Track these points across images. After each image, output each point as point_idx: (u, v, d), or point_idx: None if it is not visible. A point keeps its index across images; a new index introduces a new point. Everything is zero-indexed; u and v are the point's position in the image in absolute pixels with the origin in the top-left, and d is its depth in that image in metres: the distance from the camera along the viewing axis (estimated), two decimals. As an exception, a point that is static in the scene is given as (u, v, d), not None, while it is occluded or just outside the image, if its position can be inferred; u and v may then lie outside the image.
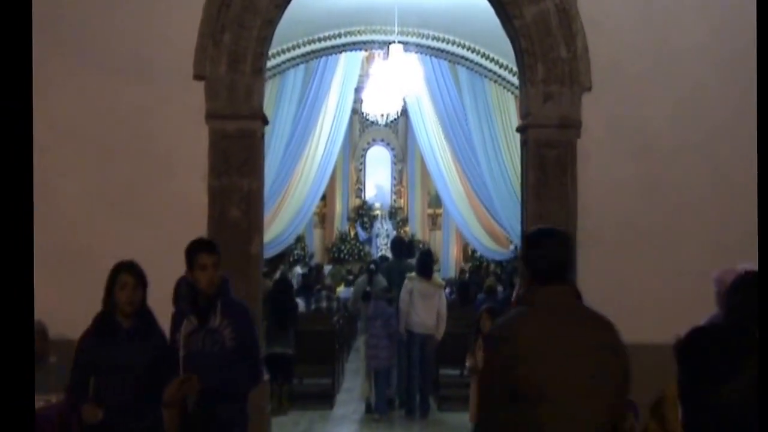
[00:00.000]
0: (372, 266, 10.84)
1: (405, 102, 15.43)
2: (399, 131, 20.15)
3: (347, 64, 14.37)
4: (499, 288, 13.41)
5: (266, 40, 6.88)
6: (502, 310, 7.58)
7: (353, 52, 14.74)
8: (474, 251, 18.93)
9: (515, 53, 7.15)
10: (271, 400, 9.14)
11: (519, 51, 6.99)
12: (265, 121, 7.06)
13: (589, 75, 6.95)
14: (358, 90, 16.28)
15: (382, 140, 20.30)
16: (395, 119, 16.93)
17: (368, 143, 20.29)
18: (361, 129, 20.14)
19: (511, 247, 16.78)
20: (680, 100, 6.94)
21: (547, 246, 3.06)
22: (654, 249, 6.97)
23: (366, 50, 11.99)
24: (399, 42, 10.78)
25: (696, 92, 6.94)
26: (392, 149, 20.31)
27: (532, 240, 3.22)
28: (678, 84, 6.98)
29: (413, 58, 10.74)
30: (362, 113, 16.18)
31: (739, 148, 6.48)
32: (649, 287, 6.95)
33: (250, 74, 6.79)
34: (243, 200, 6.74)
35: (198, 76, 6.79)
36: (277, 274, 16.65)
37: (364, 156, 20.32)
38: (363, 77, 16.35)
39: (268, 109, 12.69)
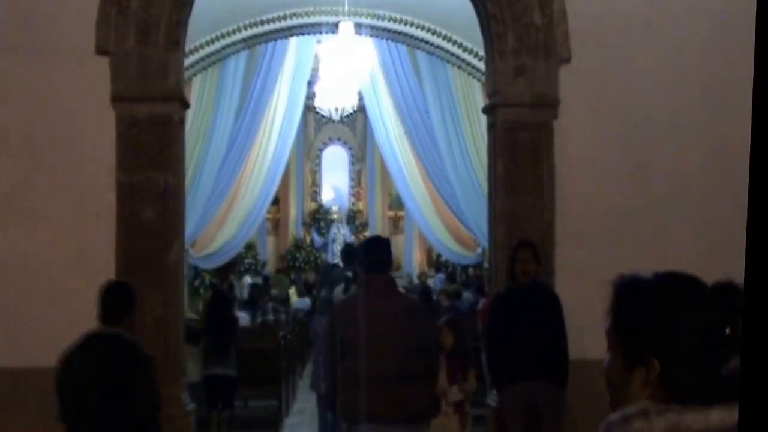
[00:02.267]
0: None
1: (362, 96, 14.44)
2: (357, 129, 19.18)
3: (298, 52, 13.34)
4: (467, 294, 12.50)
5: (184, 6, 5.85)
6: (464, 321, 6.62)
7: (305, 40, 13.84)
8: (438, 256, 18.01)
9: (480, 20, 6.23)
10: (209, 429, 8.14)
11: (485, 17, 6.06)
12: (185, 104, 6.03)
13: (568, 44, 6.04)
14: (311, 85, 15.26)
15: (339, 139, 19.31)
16: (351, 114, 15.97)
17: (324, 142, 19.28)
18: (316, 127, 19.12)
19: (479, 250, 15.90)
20: (674, 71, 6.06)
21: (373, 248, 4.36)
22: (643, 246, 6.07)
23: (314, 33, 10.97)
24: (350, 21, 9.78)
25: (692, 61, 6.06)
26: (350, 148, 19.33)
27: (366, 245, 4.62)
28: (671, 52, 6.10)
29: (367, 42, 9.76)
30: (316, 110, 15.19)
31: (742, 126, 5.60)
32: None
33: (165, 47, 5.76)
34: (158, 199, 5.70)
35: (101, 51, 5.74)
36: (226, 285, 15.62)
37: (319, 156, 19.30)
38: (316, 71, 15.34)
39: (207, 101, 11.76)
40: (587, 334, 5.43)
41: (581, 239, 6.01)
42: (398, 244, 18.59)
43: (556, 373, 5.30)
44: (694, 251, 5.79)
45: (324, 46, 10.20)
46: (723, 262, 5.69)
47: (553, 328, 5.38)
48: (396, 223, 19.19)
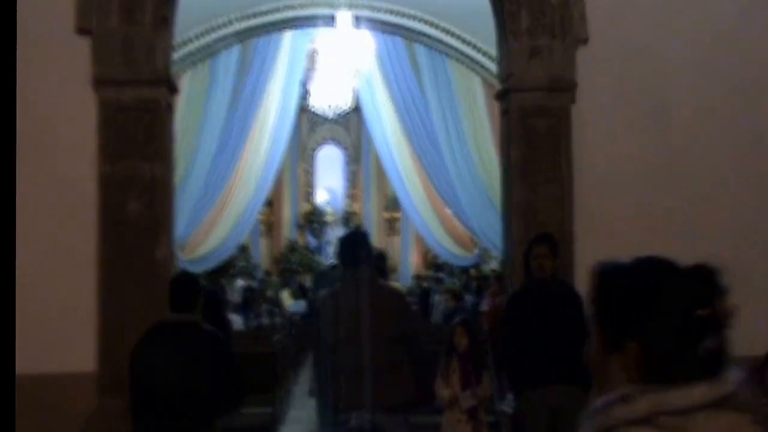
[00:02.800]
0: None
1: (357, 94, 13.95)
2: (351, 129, 18.65)
3: (292, 50, 12.86)
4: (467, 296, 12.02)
5: (172, -20, 5.35)
6: (476, 322, 6.14)
7: (299, 36, 13.37)
8: (435, 257, 17.52)
9: (492, -3, 5.75)
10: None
11: (497, -7, 5.59)
12: (174, 89, 5.53)
13: (585, 24, 5.58)
14: (304, 85, 14.77)
15: (333, 139, 18.78)
16: (347, 113, 15.45)
17: (318, 143, 18.75)
18: (309, 127, 18.59)
19: (477, 251, 15.43)
20: (699, 50, 5.60)
21: (350, 244, 4.36)
22: (669, 239, 5.59)
23: (310, 27, 10.49)
24: (347, 11, 9.30)
25: (719, 40, 5.60)
26: (344, 149, 18.81)
27: (343, 241, 4.45)
28: (696, 31, 5.64)
29: (365, 35, 9.28)
30: (310, 109, 14.69)
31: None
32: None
33: (152, 26, 5.26)
34: (145, 191, 5.20)
35: (81, 30, 5.24)
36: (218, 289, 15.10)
37: (313, 157, 18.78)
38: (309, 71, 14.85)
39: (197, 98, 11.25)
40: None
41: (602, 232, 5.53)
42: (394, 247, 18.10)
43: (580, 376, 4.82)
44: (724, 245, 5.33)
45: (321, 38, 9.68)
46: (755, 255, 5.23)
47: (575, 327, 4.90)
48: (392, 225, 18.67)
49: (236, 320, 9.66)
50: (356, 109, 16.73)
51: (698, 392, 1.36)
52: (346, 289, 4.24)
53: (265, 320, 9.73)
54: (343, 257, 4.30)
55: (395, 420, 4.14)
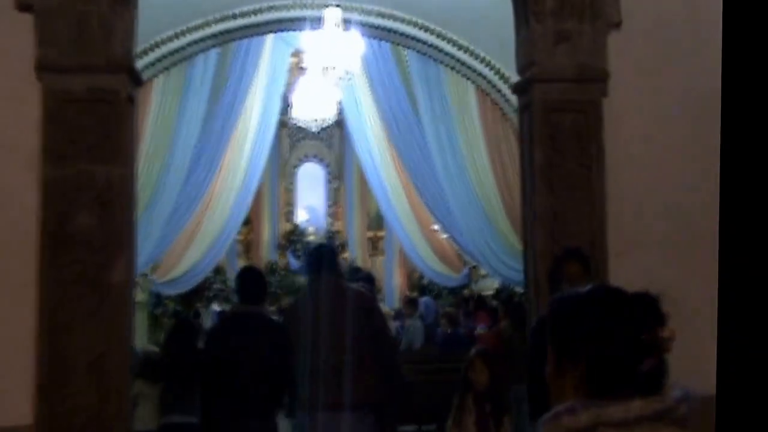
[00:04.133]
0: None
1: (341, 106, 13.05)
2: (334, 145, 17.72)
3: (273, 58, 11.93)
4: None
5: (133, -54, 4.42)
6: (495, 353, 5.21)
7: (281, 46, 12.47)
8: (421, 277, 16.58)
9: (511, -27, 4.88)
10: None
11: (518, -32, 4.72)
12: (136, 79, 4.58)
13: (618, 5, 4.73)
14: (285, 99, 13.85)
15: (315, 156, 17.82)
16: (329, 128, 14.55)
17: (299, 160, 17.77)
18: (290, 144, 17.63)
19: (465, 270, 14.52)
20: (754, 35, 4.75)
21: (311, 254, 4.80)
22: (715, 252, 4.71)
23: (294, 30, 9.59)
24: (336, 9, 8.39)
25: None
26: (327, 166, 17.86)
27: (308, 252, 5.17)
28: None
29: (354, 35, 8.40)
30: (292, 123, 13.77)
31: None
32: (713, 311, 4.69)
33: (110, 2, 4.32)
34: (98, 199, 4.24)
35: (22, 6, 4.29)
36: (191, 314, 14.02)
37: (294, 174, 17.81)
38: (292, 85, 13.95)
39: (169, 107, 10.27)
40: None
41: (640, 245, 4.67)
42: (378, 266, 17.13)
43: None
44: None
45: (306, 40, 8.77)
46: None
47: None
48: (376, 244, 17.71)
49: (211, 349, 8.61)
50: (339, 125, 15.86)
51: (635, 407, 1.53)
52: (309, 296, 4.36)
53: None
54: (307, 266, 4.57)
55: (364, 420, 4.13)
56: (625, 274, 4.61)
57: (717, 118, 4.74)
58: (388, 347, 4.36)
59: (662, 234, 4.70)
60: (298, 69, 15.82)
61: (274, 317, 4.54)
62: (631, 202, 4.68)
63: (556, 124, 4.65)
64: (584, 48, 4.67)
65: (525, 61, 4.80)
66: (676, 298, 4.72)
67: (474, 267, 13.81)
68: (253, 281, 4.62)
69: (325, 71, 8.25)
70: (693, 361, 4.71)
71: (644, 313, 1.65)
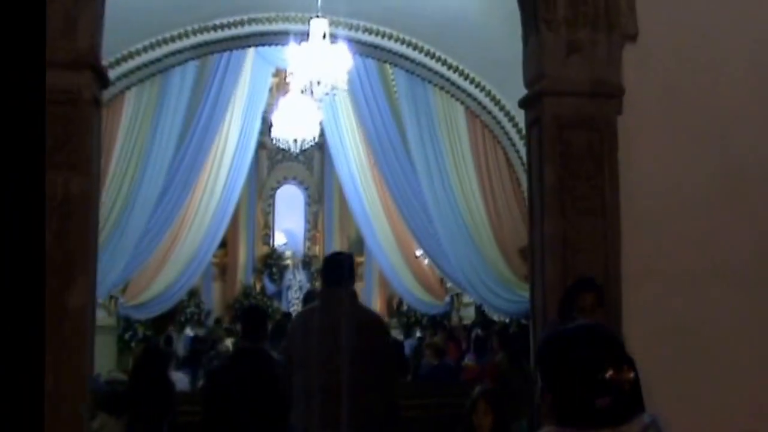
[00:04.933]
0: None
1: (322, 126, 12.58)
2: (314, 168, 17.23)
3: (254, 73, 11.50)
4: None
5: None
6: (503, 393, 4.73)
7: (261, 64, 12.03)
8: (400, 303, 16.05)
9: (520, -24, 4.47)
10: None
11: (528, -30, 4.32)
12: (102, 78, 4.10)
13: (635, 15, 4.34)
14: (264, 120, 13.38)
15: (295, 178, 17.29)
16: (309, 150, 14.06)
17: (278, 182, 17.26)
18: (269, 165, 17.12)
19: (447, 298, 14.05)
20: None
21: (331, 263, 4.34)
22: (736, 285, 4.33)
23: (276, 44, 9.15)
24: (323, 19, 7.95)
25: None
26: (306, 188, 17.36)
27: (326, 261, 4.62)
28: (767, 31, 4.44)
29: (341, 48, 7.96)
30: (272, 144, 13.28)
31: None
32: (739, 345, 4.29)
33: (74, -7, 3.84)
34: (55, 213, 3.71)
35: (-23, -7, 3.78)
36: (163, 339, 13.35)
37: (272, 196, 17.29)
38: (272, 106, 13.48)
39: (143, 122, 9.72)
40: (665, 399, 3.71)
41: (657, 275, 4.24)
42: (358, 292, 16.57)
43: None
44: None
45: (290, 54, 8.31)
46: None
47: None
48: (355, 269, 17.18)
49: (182, 379, 8.06)
50: (320, 147, 15.40)
51: None
52: (321, 308, 4.12)
53: (217, 378, 8.12)
54: (324, 274, 4.25)
55: None
56: (639, 305, 4.20)
57: (739, 135, 4.37)
58: (390, 371, 4.25)
59: (680, 263, 4.28)
60: (278, 89, 15.41)
61: (274, 355, 4.54)
62: (647, 228, 4.26)
63: (567, 142, 4.23)
64: (598, 60, 4.27)
65: (534, 73, 4.38)
66: (693, 330, 4.30)
67: (457, 294, 13.35)
68: (256, 320, 4.69)
69: (310, 87, 7.76)
70: (711, 393, 4.29)
71: (605, 354, 1.77)
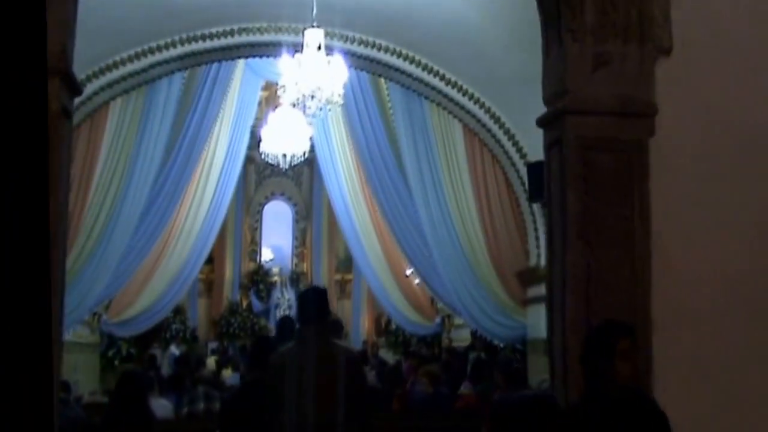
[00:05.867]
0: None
1: (312, 142, 12.07)
2: (303, 183, 16.70)
3: (243, 86, 10.98)
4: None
5: None
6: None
7: (251, 77, 11.53)
8: (389, 322, 15.50)
9: (542, -18, 3.99)
10: None
11: (553, -24, 3.83)
12: (73, 87, 3.56)
13: (669, 27, 3.86)
14: (253, 134, 12.83)
15: (283, 194, 16.75)
16: (298, 165, 13.53)
17: (266, 197, 16.72)
18: (257, 180, 16.58)
19: (437, 320, 13.51)
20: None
21: (305, 300, 4.30)
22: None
23: (266, 56, 8.65)
24: (319, 29, 7.43)
25: None
26: (294, 205, 16.82)
27: (300, 297, 4.60)
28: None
29: (337, 60, 7.45)
30: (261, 156, 12.75)
31: None
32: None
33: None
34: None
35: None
36: (147, 357, 12.72)
37: (260, 212, 16.73)
38: (261, 120, 12.96)
39: (127, 134, 9.16)
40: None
41: (691, 317, 3.74)
42: (346, 310, 16.02)
43: None
44: None
45: (283, 66, 7.79)
46: None
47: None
48: (343, 287, 16.60)
49: (164, 405, 7.46)
50: (309, 163, 14.88)
51: None
52: (298, 346, 4.12)
53: (201, 405, 7.55)
54: (298, 313, 4.23)
55: None
56: (670, 351, 3.69)
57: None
58: (368, 407, 4.26)
59: (715, 304, 3.78)
60: (268, 103, 14.90)
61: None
62: (681, 263, 3.76)
63: (592, 166, 3.73)
64: (628, 75, 3.78)
65: (556, 88, 3.88)
66: (728, 377, 3.79)
67: (448, 316, 12.82)
68: (266, 351, 4.61)
69: (303, 101, 7.25)
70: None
71: (546, 421, 2.18)
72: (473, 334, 10.57)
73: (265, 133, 11.91)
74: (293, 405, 3.93)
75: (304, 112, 7.71)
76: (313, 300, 4.18)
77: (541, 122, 4.03)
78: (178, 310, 14.44)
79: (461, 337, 12.50)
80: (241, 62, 11.04)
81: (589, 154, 3.74)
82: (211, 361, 13.14)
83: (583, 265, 3.67)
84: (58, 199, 3.33)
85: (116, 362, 12.53)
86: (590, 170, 3.73)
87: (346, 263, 16.08)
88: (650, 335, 3.66)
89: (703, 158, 3.83)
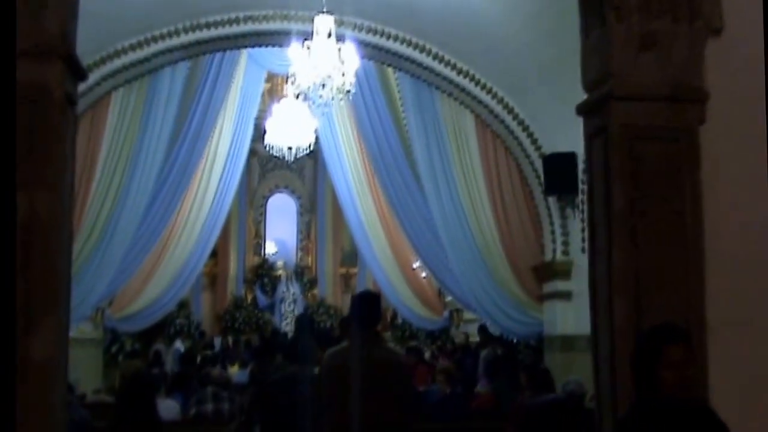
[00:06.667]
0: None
1: (317, 134, 11.73)
2: (307, 176, 16.36)
3: (247, 77, 10.63)
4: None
5: None
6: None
7: (255, 66, 11.18)
8: (394, 316, 15.17)
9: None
10: None
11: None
12: (79, 73, 3.21)
13: (720, 6, 3.52)
14: (257, 126, 12.48)
15: (287, 187, 16.42)
16: (302, 158, 13.17)
17: (269, 190, 16.38)
18: (261, 173, 16.23)
19: (445, 314, 13.20)
20: None
21: (356, 305, 4.22)
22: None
23: (272, 45, 8.29)
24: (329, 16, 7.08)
25: None
26: (298, 198, 16.47)
27: (355, 301, 4.32)
28: None
29: (349, 49, 7.08)
30: (265, 149, 12.39)
31: None
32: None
33: (42, -36, 2.96)
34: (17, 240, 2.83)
35: None
36: (152, 354, 12.38)
37: (264, 205, 16.38)
38: (265, 114, 12.60)
39: (130, 125, 8.77)
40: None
41: (749, 319, 3.41)
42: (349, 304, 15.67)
43: None
44: None
45: (291, 54, 7.43)
46: None
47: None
48: (348, 280, 16.28)
49: (172, 407, 7.15)
50: (313, 155, 14.54)
51: None
52: (350, 349, 4.13)
53: (210, 406, 7.22)
54: (355, 317, 4.19)
55: None
56: (726, 356, 3.37)
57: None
58: (409, 409, 4.24)
59: (772, 305, 3.45)
60: (271, 95, 14.55)
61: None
62: (734, 263, 3.43)
63: (639, 157, 3.40)
64: (678, 57, 3.44)
65: (598, 72, 3.54)
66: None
67: (457, 310, 12.51)
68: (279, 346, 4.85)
69: (313, 90, 6.89)
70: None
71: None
72: (481, 328, 10.25)
73: (269, 125, 11.58)
74: (345, 406, 3.99)
75: (313, 102, 7.34)
76: (369, 303, 4.21)
77: (582, 109, 3.69)
78: (183, 305, 14.13)
79: (470, 333, 12.20)
80: (244, 54, 10.71)
81: (636, 143, 3.40)
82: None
83: (630, 266, 3.34)
84: (61, 199, 2.99)
85: (120, 358, 12.19)
86: (637, 162, 3.39)
87: (351, 256, 15.76)
88: (705, 340, 3.34)
89: (758, 145, 3.49)
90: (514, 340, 8.88)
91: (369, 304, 4.21)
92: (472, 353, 9.80)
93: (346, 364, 4.02)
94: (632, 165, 3.39)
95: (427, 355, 11.43)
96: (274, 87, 14.92)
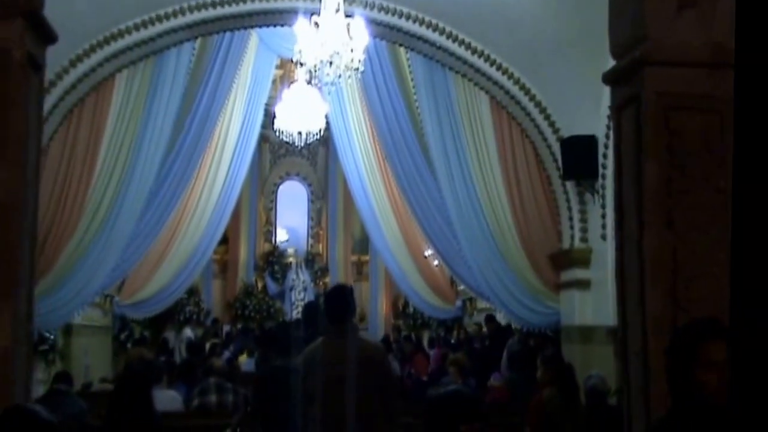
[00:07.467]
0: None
1: (327, 119, 11.34)
2: (318, 163, 15.97)
3: (258, 60, 10.24)
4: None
5: None
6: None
7: (264, 52, 10.80)
8: (406, 304, 14.79)
9: None
10: None
11: None
12: (45, 34, 2.82)
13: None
14: (267, 112, 12.11)
15: (298, 174, 16.03)
16: (314, 143, 12.78)
17: (280, 177, 16.00)
18: (272, 160, 15.85)
19: (458, 303, 12.78)
20: None
21: (329, 299, 4.25)
22: None
23: (281, 24, 7.87)
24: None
25: None
26: (309, 185, 16.10)
27: (327, 295, 4.45)
28: None
29: (358, 24, 6.66)
30: (275, 135, 12.02)
31: None
32: None
33: None
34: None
35: None
36: (160, 340, 12.09)
37: (275, 192, 16.01)
38: (275, 100, 12.22)
39: (135, 107, 8.40)
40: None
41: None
42: (363, 292, 15.31)
43: None
44: None
45: (299, 32, 7.00)
46: None
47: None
48: (360, 268, 15.90)
49: (174, 397, 6.80)
50: (324, 142, 14.16)
51: None
52: (325, 342, 4.13)
53: (213, 397, 6.86)
54: (328, 312, 4.17)
55: None
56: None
57: None
58: (393, 399, 4.21)
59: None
60: (282, 81, 14.18)
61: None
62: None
63: (676, 129, 2.97)
64: (720, 18, 3.01)
65: (629, 35, 3.11)
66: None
67: (470, 299, 12.09)
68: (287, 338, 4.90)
69: (320, 68, 6.48)
70: None
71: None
72: (487, 318, 9.86)
73: (279, 109, 11.21)
74: (326, 400, 3.99)
75: (320, 80, 6.93)
76: (340, 298, 4.18)
77: (608, 77, 3.27)
78: (192, 292, 13.82)
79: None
80: (254, 38, 10.33)
81: (673, 114, 2.98)
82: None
83: (666, 251, 2.92)
84: (22, 174, 2.61)
85: (129, 345, 11.90)
86: (674, 135, 2.97)
87: (363, 244, 15.39)
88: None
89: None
90: (524, 330, 8.46)
91: (340, 297, 4.18)
92: (478, 343, 9.39)
93: (324, 359, 4.01)
94: (668, 138, 2.97)
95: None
96: (286, 73, 14.54)
